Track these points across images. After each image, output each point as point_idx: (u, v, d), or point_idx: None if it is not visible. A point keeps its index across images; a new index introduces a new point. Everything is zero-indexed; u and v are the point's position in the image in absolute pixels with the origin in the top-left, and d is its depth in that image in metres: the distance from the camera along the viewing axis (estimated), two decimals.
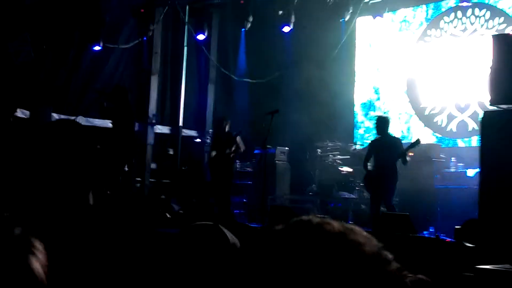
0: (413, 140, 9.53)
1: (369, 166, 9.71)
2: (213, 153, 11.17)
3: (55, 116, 12.45)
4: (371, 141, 10.09)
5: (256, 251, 0.96)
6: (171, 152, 14.22)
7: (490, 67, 6.80)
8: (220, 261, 2.08)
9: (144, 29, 13.54)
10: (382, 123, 9.56)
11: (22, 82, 11.92)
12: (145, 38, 13.65)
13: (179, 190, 12.61)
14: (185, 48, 14.65)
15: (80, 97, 12.83)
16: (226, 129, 11.10)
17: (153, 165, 13.90)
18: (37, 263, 1.18)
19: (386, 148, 9.35)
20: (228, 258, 2.07)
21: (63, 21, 12.77)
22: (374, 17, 12.56)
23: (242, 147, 10.98)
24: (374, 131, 10.06)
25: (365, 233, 0.97)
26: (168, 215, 8.49)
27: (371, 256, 0.92)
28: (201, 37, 13.64)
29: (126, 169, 9.75)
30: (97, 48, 12.81)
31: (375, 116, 10.37)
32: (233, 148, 10.76)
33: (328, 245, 0.92)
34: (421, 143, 9.42)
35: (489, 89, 6.85)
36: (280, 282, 0.90)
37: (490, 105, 6.95)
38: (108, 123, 10.50)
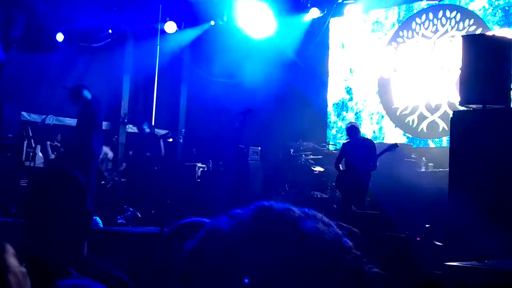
0: (391, 143, 9.65)
1: (341, 167, 9.79)
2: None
3: (25, 115, 12.27)
4: (344, 143, 10.16)
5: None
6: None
7: (460, 68, 6.88)
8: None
9: (116, 28, 13.41)
10: (352, 130, 9.71)
11: None
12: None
13: (151, 190, 12.50)
14: (158, 47, 14.56)
15: (51, 96, 12.65)
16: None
17: (124, 165, 13.76)
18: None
19: (358, 150, 9.47)
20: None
21: (33, 19, 12.60)
22: (347, 18, 12.63)
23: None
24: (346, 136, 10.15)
25: (325, 220, 0.95)
26: (139, 215, 8.45)
27: (330, 243, 0.90)
28: (171, 30, 13.89)
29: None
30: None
31: (346, 124, 10.41)
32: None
33: (285, 232, 0.89)
34: (398, 147, 9.56)
35: (459, 89, 6.93)
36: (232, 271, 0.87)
37: (460, 105, 7.03)
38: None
